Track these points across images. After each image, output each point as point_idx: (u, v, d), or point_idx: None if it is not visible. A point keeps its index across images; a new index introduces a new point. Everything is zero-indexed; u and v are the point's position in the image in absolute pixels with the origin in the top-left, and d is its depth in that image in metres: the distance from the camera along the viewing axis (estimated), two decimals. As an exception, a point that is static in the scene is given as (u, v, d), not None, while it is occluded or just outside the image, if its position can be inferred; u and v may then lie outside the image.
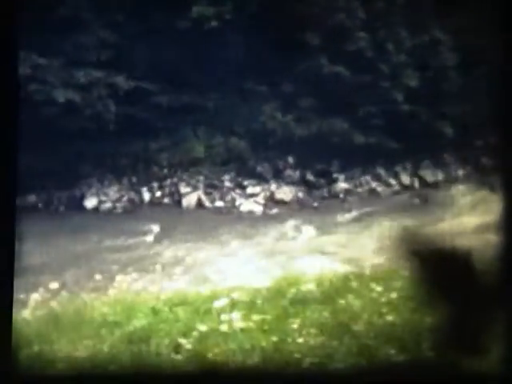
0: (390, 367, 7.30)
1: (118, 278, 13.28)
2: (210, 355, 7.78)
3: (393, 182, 20.14)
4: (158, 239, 16.26)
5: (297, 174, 20.02)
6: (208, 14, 19.22)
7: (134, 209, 19.40)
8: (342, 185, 19.80)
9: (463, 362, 6.85)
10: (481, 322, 7.12)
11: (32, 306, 9.32)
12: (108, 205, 19.68)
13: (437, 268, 8.02)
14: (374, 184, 19.98)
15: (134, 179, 20.18)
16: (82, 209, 19.52)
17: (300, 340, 8.11)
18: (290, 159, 20.31)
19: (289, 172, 20.11)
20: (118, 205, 19.68)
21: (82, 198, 19.75)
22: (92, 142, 19.64)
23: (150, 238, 16.39)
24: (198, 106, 20.19)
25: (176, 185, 19.92)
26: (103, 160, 20.14)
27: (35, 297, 10.16)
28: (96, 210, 19.58)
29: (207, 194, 19.37)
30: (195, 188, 19.58)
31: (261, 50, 19.76)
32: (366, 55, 20.34)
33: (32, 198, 19.45)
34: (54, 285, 11.52)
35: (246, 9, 19.81)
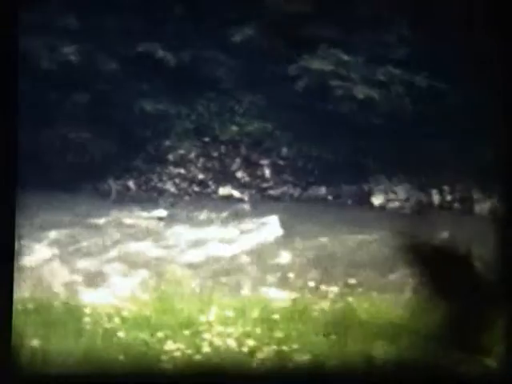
0: (389, 367, 7.09)
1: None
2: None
3: None
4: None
5: None
6: None
7: (423, 211, 19.15)
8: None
9: (463, 362, 6.73)
10: (481, 322, 7.00)
11: (331, 298, 9.49)
12: (396, 204, 19.62)
13: (436, 268, 7.81)
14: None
15: (424, 180, 19.92)
16: (369, 205, 19.65)
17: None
18: None
19: None
20: (406, 204, 19.56)
21: (370, 193, 19.87)
22: (382, 138, 19.69)
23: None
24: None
25: (469, 190, 19.35)
26: (392, 157, 20.09)
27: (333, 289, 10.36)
28: (383, 207, 19.61)
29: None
30: (489, 196, 18.85)
31: None
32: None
33: (322, 191, 19.98)
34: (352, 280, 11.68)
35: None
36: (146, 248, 16.06)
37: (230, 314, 8.38)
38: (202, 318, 8.14)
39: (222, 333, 7.84)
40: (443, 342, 7.18)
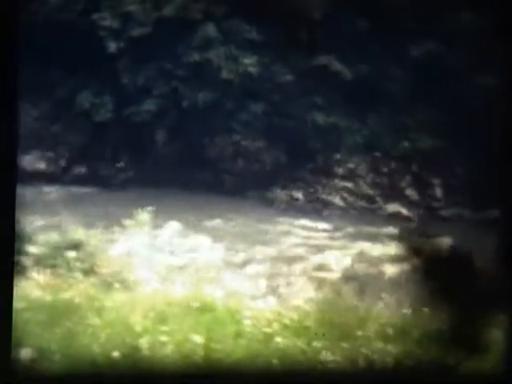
0: (389, 367, 7.06)
1: None
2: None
3: None
4: None
5: None
6: None
7: None
8: None
9: (463, 362, 6.74)
10: (481, 321, 7.04)
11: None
12: None
13: (437, 268, 7.89)
14: None
15: None
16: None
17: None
18: None
19: None
20: None
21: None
22: None
23: None
24: None
25: None
26: None
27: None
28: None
29: None
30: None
31: None
32: None
33: (495, 213, 19.33)
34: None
35: None
36: (308, 257, 16.14)
37: (390, 331, 8.24)
38: (360, 333, 8.06)
39: (380, 349, 7.72)
40: (443, 341, 7.16)
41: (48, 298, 7.71)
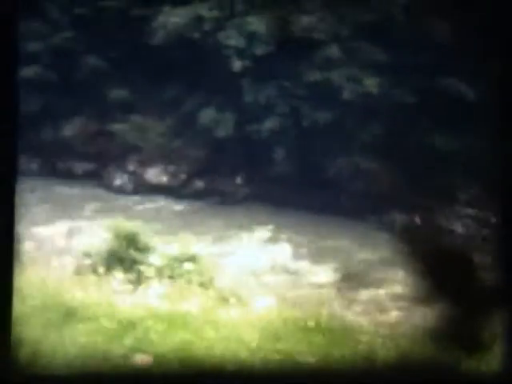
0: (389, 367, 7.02)
1: None
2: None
3: None
4: None
5: None
6: None
7: None
8: None
9: (463, 362, 6.74)
10: (481, 321, 7.08)
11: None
12: None
13: (437, 268, 7.86)
14: None
15: None
16: None
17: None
18: None
19: None
20: None
21: None
22: None
23: None
24: None
25: None
26: None
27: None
28: None
29: None
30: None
31: None
32: None
33: None
34: None
35: None
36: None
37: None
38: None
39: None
40: (443, 341, 7.16)
41: (167, 308, 7.88)
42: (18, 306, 7.01)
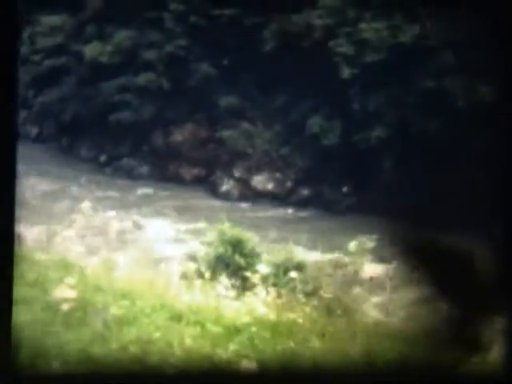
0: (389, 367, 6.94)
1: None
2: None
3: None
4: None
5: None
6: None
7: None
8: None
9: (463, 362, 6.69)
10: (481, 321, 7.11)
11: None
12: None
13: (437, 268, 7.91)
14: None
15: None
16: None
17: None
18: None
19: None
20: None
21: None
22: None
23: None
24: None
25: None
26: None
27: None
28: None
29: None
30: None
31: None
32: None
33: None
34: None
35: None
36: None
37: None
38: None
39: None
40: (443, 341, 7.12)
41: (272, 316, 7.87)
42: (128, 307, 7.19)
